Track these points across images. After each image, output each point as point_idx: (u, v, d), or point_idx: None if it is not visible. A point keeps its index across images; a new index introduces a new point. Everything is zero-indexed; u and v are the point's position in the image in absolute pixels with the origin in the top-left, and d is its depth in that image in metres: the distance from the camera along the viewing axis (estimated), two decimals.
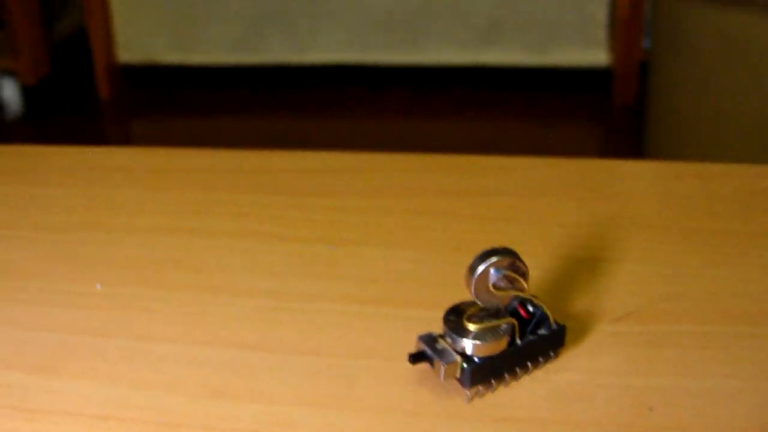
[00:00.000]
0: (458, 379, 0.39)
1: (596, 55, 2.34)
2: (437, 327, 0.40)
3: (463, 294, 0.40)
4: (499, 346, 0.39)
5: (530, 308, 0.40)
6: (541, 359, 0.41)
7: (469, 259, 0.39)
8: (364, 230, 0.51)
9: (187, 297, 0.46)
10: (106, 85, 2.37)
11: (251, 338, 0.43)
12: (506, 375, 0.40)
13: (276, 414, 0.38)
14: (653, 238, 0.49)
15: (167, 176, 0.58)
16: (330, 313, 0.44)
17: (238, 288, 0.47)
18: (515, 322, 0.40)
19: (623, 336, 0.42)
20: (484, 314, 0.40)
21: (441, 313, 0.40)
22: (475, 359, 0.39)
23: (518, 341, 0.40)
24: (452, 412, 0.38)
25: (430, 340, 0.40)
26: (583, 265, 0.47)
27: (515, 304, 0.41)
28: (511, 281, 0.39)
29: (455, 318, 0.40)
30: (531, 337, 0.40)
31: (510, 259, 0.39)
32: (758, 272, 0.46)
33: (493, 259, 0.39)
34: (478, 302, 0.39)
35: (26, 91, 2.32)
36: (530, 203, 0.54)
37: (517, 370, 0.40)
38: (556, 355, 0.41)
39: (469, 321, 0.39)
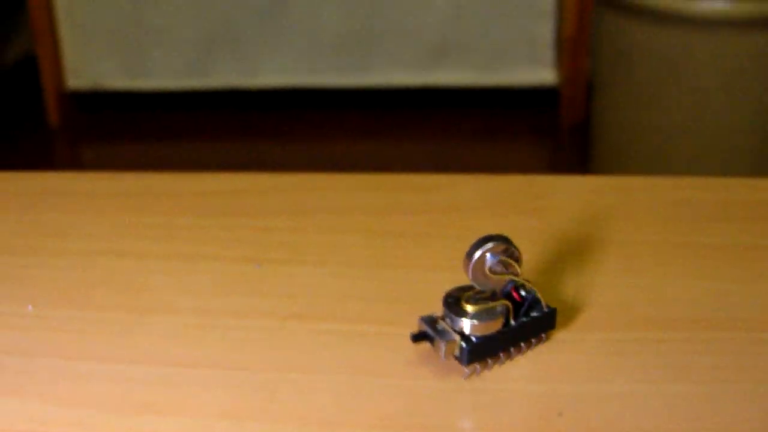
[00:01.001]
0: (457, 358, 0.42)
1: (544, 74, 2.38)
2: (361, 341, 0.42)
3: (386, 308, 0.43)
4: (494, 326, 0.42)
5: (523, 292, 0.44)
6: (533, 341, 0.44)
7: (390, 274, 0.41)
8: (289, 249, 0.52)
9: (115, 317, 0.47)
10: (55, 112, 2.36)
11: (176, 355, 0.44)
12: (501, 354, 0.43)
13: (199, 427, 0.39)
14: (572, 251, 0.51)
15: (100, 200, 0.59)
16: (253, 329, 0.46)
17: (165, 307, 0.48)
18: (510, 305, 0.43)
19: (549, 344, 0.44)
20: (481, 297, 0.43)
21: (362, 326, 0.43)
22: (473, 338, 0.42)
23: (512, 322, 0.43)
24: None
25: (430, 321, 0.43)
26: None
27: (509, 287, 0.44)
28: (506, 266, 0.43)
29: (454, 300, 0.43)
30: (524, 319, 0.43)
31: (504, 245, 0.42)
32: (671, 280, 0.48)
33: (489, 245, 0.42)
34: (475, 285, 0.43)
35: None
36: (450, 219, 0.55)
37: (512, 350, 0.43)
38: (548, 337, 0.44)
39: (467, 303, 0.43)
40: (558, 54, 2.36)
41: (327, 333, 0.45)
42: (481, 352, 0.42)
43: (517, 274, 0.43)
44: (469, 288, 0.43)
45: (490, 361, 0.43)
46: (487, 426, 0.39)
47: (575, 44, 2.27)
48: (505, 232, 0.49)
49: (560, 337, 0.44)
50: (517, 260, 0.43)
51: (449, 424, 0.39)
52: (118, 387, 0.42)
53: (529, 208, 0.56)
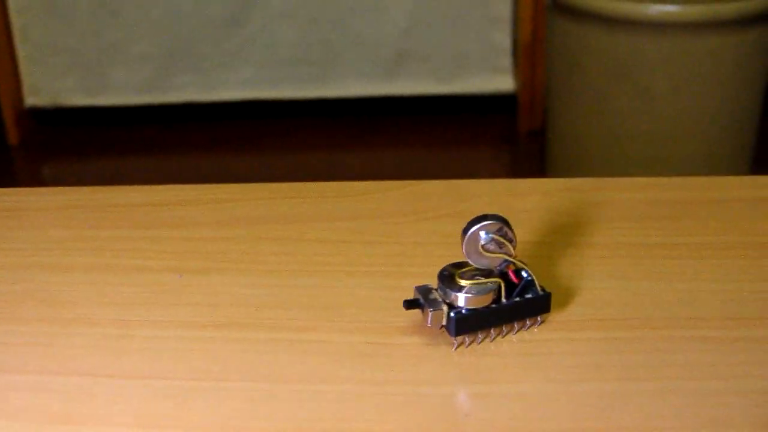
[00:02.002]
0: (446, 327, 0.44)
1: (502, 81, 2.40)
2: (279, 348, 0.43)
3: (304, 314, 0.46)
4: (484, 300, 0.44)
5: (523, 273, 0.45)
6: (528, 322, 0.46)
7: (308, 281, 0.45)
8: (211, 258, 0.53)
9: (38, 329, 0.48)
10: (14, 130, 2.36)
11: (95, 365, 0.45)
12: (491, 330, 0.45)
13: None
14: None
15: (28, 215, 0.60)
16: (172, 338, 0.46)
17: (87, 319, 0.48)
18: (501, 282, 0.45)
19: (450, 346, 0.44)
20: (476, 273, 0.45)
21: (281, 334, 0.45)
22: (462, 310, 0.44)
23: (504, 300, 0.45)
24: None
25: (425, 291, 0.45)
26: (394, 281, 0.50)
27: (505, 267, 0.45)
28: (500, 245, 0.44)
29: (449, 274, 0.45)
30: (517, 299, 0.45)
31: (499, 224, 0.44)
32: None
33: (484, 222, 0.44)
34: (470, 262, 0.44)
35: None
36: (373, 225, 0.56)
37: (503, 327, 0.45)
38: (543, 320, 0.46)
39: (461, 277, 0.45)
40: (515, 60, 2.38)
41: (245, 341, 0.46)
42: (468, 325, 0.44)
43: (510, 255, 0.45)
44: (466, 264, 0.45)
45: (480, 334, 0.45)
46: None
47: (531, 50, 2.29)
48: (428, 238, 0.50)
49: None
50: (511, 241, 0.45)
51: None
52: (36, 398, 0.43)
53: (453, 212, 0.57)
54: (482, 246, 0.44)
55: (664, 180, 0.61)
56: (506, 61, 2.39)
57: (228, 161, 2.31)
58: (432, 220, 0.56)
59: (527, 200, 0.59)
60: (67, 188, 0.64)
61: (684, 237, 0.54)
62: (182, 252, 0.54)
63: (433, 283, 0.46)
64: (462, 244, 0.44)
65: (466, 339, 0.44)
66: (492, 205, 0.58)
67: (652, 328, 0.46)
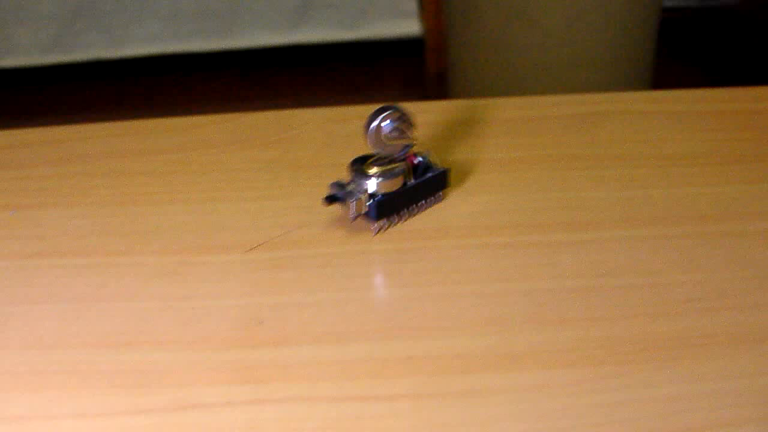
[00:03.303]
0: (365, 215, 0.48)
1: (408, 26, 2.41)
2: (95, 272, 0.45)
3: (124, 241, 0.48)
4: (396, 184, 0.49)
5: (418, 156, 0.50)
6: (432, 199, 0.51)
7: (133, 210, 0.48)
8: (43, 195, 0.56)
9: None
10: None
11: None
12: (403, 211, 0.49)
13: None
14: (306, 174, 0.55)
15: None
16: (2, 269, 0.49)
17: None
18: (407, 165, 0.49)
19: (252, 263, 0.48)
20: (382, 161, 0.49)
21: (97, 259, 0.47)
22: (378, 196, 0.48)
23: (411, 181, 0.49)
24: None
25: (339, 185, 0.49)
26: (210, 206, 0.53)
27: (405, 152, 0.49)
28: (401, 132, 0.48)
29: (358, 165, 0.49)
30: (420, 179, 0.50)
31: (398, 113, 0.48)
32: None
33: (386, 113, 0.47)
34: (376, 152, 0.48)
35: None
36: (198, 156, 0.59)
37: (414, 206, 0.50)
38: (444, 195, 0.51)
39: (369, 166, 0.49)
40: (420, 4, 2.39)
41: (64, 267, 0.48)
42: (386, 208, 0.48)
43: (411, 139, 0.49)
44: (371, 156, 0.49)
45: (395, 217, 0.49)
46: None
47: None
48: (251, 165, 0.53)
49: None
50: (411, 126, 0.48)
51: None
52: None
53: (277, 139, 0.60)
54: (386, 135, 0.48)
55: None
56: (411, 4, 2.41)
57: (137, 117, 2.30)
58: (257, 148, 0.59)
59: (348, 126, 0.62)
60: None
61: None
62: (17, 190, 0.56)
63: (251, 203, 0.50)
64: (366, 136, 0.48)
65: (384, 223, 0.49)
66: (317, 131, 0.61)
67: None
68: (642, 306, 0.43)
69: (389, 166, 0.49)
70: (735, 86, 0.64)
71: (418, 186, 0.50)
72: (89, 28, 2.38)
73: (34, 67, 2.41)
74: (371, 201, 0.48)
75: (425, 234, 0.49)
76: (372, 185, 0.48)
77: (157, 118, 0.63)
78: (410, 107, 0.50)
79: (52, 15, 2.36)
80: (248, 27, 2.39)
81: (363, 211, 0.48)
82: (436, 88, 2.35)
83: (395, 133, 0.48)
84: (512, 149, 0.58)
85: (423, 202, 0.50)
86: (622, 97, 0.64)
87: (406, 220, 0.50)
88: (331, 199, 0.48)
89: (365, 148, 0.50)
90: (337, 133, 0.61)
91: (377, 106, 0.49)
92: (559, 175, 0.54)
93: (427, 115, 0.63)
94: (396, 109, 0.48)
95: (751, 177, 0.54)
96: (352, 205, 0.48)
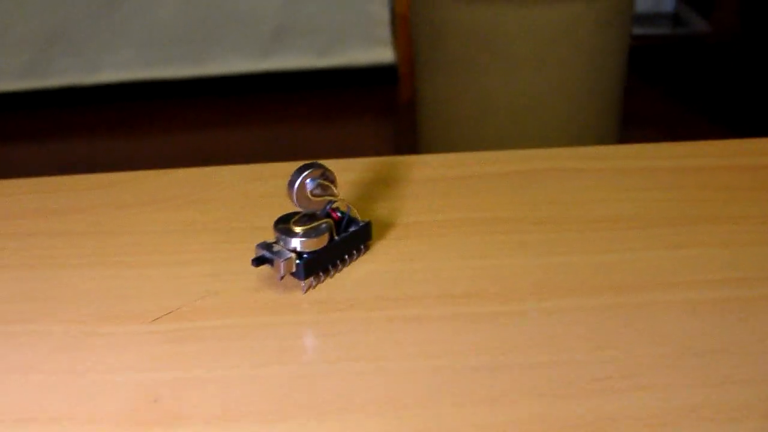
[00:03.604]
0: (293, 274, 0.48)
1: (381, 54, 2.41)
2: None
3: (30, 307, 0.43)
4: (322, 241, 0.49)
5: (340, 212, 0.50)
6: (355, 253, 0.51)
7: (41, 273, 0.47)
8: None
9: None
10: None
11: None
12: (330, 267, 0.50)
13: None
14: (220, 237, 0.54)
15: None
16: None
17: None
18: (332, 222, 0.50)
19: (155, 334, 0.46)
20: (306, 219, 0.49)
21: (12, 327, 0.46)
22: (305, 255, 0.48)
23: (336, 237, 0.50)
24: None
25: (266, 245, 0.49)
26: (119, 271, 0.51)
27: (327, 209, 0.50)
28: (324, 188, 0.49)
29: (283, 225, 0.49)
30: (345, 234, 0.50)
31: (321, 169, 0.49)
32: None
33: (308, 171, 0.48)
34: (299, 209, 0.49)
35: None
36: (114, 216, 0.57)
37: (338, 262, 0.50)
38: (367, 248, 0.52)
39: (295, 225, 0.49)
40: (394, 32, 2.39)
41: None
42: (314, 266, 0.48)
43: (334, 195, 0.49)
44: (294, 214, 0.49)
45: (322, 274, 0.49)
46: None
47: (408, 21, 2.30)
48: (163, 227, 0.52)
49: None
50: (333, 182, 0.49)
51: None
52: None
53: (195, 199, 0.59)
54: (310, 192, 0.48)
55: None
56: (385, 32, 2.41)
57: (111, 144, 2.29)
58: (172, 209, 0.57)
59: (265, 185, 0.60)
60: None
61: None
62: None
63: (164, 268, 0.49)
64: (292, 195, 0.48)
65: (312, 281, 0.49)
66: (234, 190, 0.59)
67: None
68: (546, 386, 0.41)
69: (314, 224, 0.49)
70: (698, 114, 0.63)
71: (343, 241, 0.50)
72: (63, 54, 2.37)
73: (7, 92, 2.40)
74: (299, 261, 0.48)
75: (332, 305, 0.48)
76: (298, 244, 0.48)
77: (75, 175, 0.62)
78: (333, 165, 0.50)
79: (26, 40, 2.35)
80: (221, 54, 2.38)
81: (291, 271, 0.48)
82: (410, 116, 2.34)
83: (318, 190, 0.49)
84: (434, 211, 0.56)
85: (346, 257, 0.51)
86: (559, 153, 0.63)
87: (332, 276, 0.50)
88: (259, 261, 0.48)
89: (281, 209, 0.50)
90: (253, 192, 0.59)
91: (295, 164, 0.49)
92: (479, 240, 0.53)
93: (350, 174, 0.61)
94: (318, 167, 0.48)
95: (677, 241, 0.52)
96: (282, 264, 0.47)
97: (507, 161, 0.62)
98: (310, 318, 0.47)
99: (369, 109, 2.36)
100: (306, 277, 0.48)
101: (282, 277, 0.48)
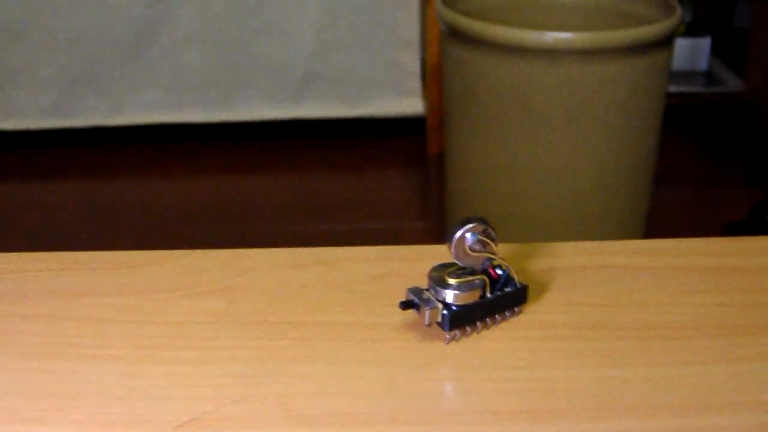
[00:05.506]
0: (439, 324, 0.48)
1: (411, 104, 2.39)
2: None
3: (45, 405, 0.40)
4: (473, 296, 0.49)
5: (499, 270, 0.50)
6: (507, 313, 0.51)
7: (60, 366, 0.46)
8: None
9: None
10: None
11: None
12: (478, 323, 0.49)
13: None
14: (251, 333, 0.51)
15: None
16: None
17: None
18: (486, 279, 0.49)
19: None
20: (462, 272, 0.49)
21: (10, 426, 0.43)
22: (454, 307, 0.48)
23: (488, 295, 0.49)
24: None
25: (417, 291, 0.49)
26: (142, 367, 0.48)
27: (486, 265, 0.50)
28: (484, 245, 0.49)
29: (438, 274, 0.49)
30: (499, 293, 0.50)
31: (483, 226, 0.49)
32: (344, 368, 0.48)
33: (470, 225, 0.48)
34: (457, 262, 0.49)
35: None
36: (140, 303, 0.54)
37: (487, 320, 0.50)
38: (520, 311, 0.51)
39: (449, 276, 0.49)
40: (424, 82, 2.37)
41: None
42: (460, 320, 0.48)
43: (494, 253, 0.49)
44: (452, 265, 0.49)
45: (468, 328, 0.49)
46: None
47: (439, 72, 2.28)
48: (192, 317, 0.49)
49: None
50: (494, 240, 0.49)
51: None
52: None
53: (223, 287, 0.55)
54: (468, 246, 0.48)
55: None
56: (415, 83, 2.39)
57: (134, 186, 2.27)
58: (202, 295, 0.54)
59: (302, 273, 0.57)
60: None
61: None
62: None
63: None
64: (450, 246, 0.48)
65: (457, 333, 0.49)
66: (268, 277, 0.56)
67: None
68: None
69: (469, 278, 0.49)
70: (732, 173, 0.59)
71: (494, 300, 0.50)
72: (89, 94, 2.36)
73: (32, 131, 2.39)
74: (445, 312, 0.48)
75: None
76: (449, 296, 0.48)
77: (99, 251, 0.59)
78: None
79: (53, 79, 2.35)
80: (249, 99, 2.37)
81: (437, 320, 0.48)
82: (438, 167, 2.31)
83: (478, 246, 0.49)
84: None
85: (497, 316, 0.50)
86: (606, 247, 0.60)
87: (479, 332, 0.50)
88: (406, 305, 0.49)
89: (319, 301, 0.50)
90: (290, 281, 0.56)
91: (337, 251, 0.52)
92: (528, 347, 0.49)
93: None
94: (482, 222, 0.49)
95: (741, 354, 0.49)
96: (427, 312, 0.48)
97: (551, 255, 0.59)
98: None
99: (397, 160, 2.34)
100: (450, 329, 0.48)
101: (429, 325, 0.49)
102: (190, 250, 0.58)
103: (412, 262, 0.57)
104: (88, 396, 0.46)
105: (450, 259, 0.49)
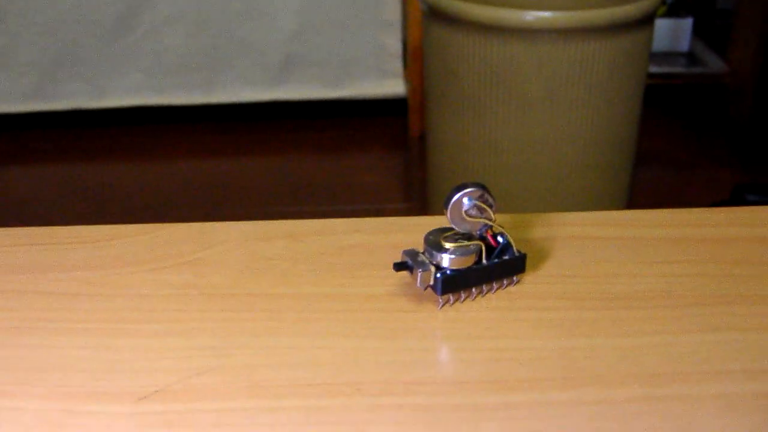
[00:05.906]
0: (431, 287, 0.48)
1: (393, 86, 2.38)
2: None
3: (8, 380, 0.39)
4: (467, 261, 0.48)
5: (499, 238, 0.49)
6: (505, 282, 0.50)
7: (25, 340, 0.45)
8: None
9: None
10: None
11: None
12: (473, 290, 0.49)
13: None
14: (219, 305, 0.50)
15: None
16: None
17: None
18: (482, 245, 0.49)
19: (140, 416, 0.42)
20: (458, 237, 0.49)
21: None
22: (447, 271, 0.48)
23: (484, 261, 0.49)
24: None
25: (412, 254, 0.49)
26: (108, 340, 0.48)
27: (484, 231, 0.49)
28: (481, 210, 0.48)
29: (434, 237, 0.49)
30: (496, 260, 0.49)
31: (480, 191, 0.48)
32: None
33: (467, 189, 0.48)
34: (453, 227, 0.48)
35: None
36: (108, 276, 0.54)
37: (483, 287, 0.49)
38: (519, 280, 0.51)
39: (445, 240, 0.48)
40: (405, 64, 2.36)
41: None
42: (453, 284, 0.48)
43: (491, 219, 0.49)
44: (449, 230, 0.49)
45: (462, 294, 0.49)
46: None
47: (421, 54, 2.28)
48: (159, 290, 0.48)
49: None
50: (491, 207, 0.48)
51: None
52: None
53: (192, 259, 0.55)
54: (465, 211, 0.48)
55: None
56: (397, 64, 2.38)
57: (116, 169, 2.26)
58: (170, 268, 0.54)
59: (271, 245, 0.57)
60: None
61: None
62: None
63: None
64: (446, 211, 0.48)
65: (451, 297, 0.48)
66: (236, 250, 0.56)
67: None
68: None
69: (465, 243, 0.48)
70: (712, 153, 0.59)
71: (490, 267, 0.49)
72: (71, 78, 2.35)
73: (13, 114, 2.38)
74: (438, 276, 0.47)
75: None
76: (443, 259, 0.48)
77: (70, 226, 0.58)
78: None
79: (34, 63, 2.33)
80: (231, 81, 2.36)
81: (429, 283, 0.48)
82: (419, 148, 2.31)
83: (474, 211, 0.48)
84: None
85: (494, 284, 0.50)
86: (578, 218, 0.59)
87: (474, 299, 0.49)
88: (399, 266, 0.49)
89: (285, 274, 0.48)
90: (258, 254, 0.55)
91: (301, 224, 0.49)
92: (495, 317, 0.49)
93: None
94: (479, 187, 0.48)
95: (711, 323, 0.49)
96: (419, 275, 0.47)
97: (524, 225, 0.59)
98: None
99: (379, 141, 2.33)
100: (443, 293, 0.48)
101: (425, 288, 0.49)
102: (159, 224, 0.58)
103: (380, 234, 0.57)
104: (52, 369, 0.46)
105: (417, 232, 0.49)
